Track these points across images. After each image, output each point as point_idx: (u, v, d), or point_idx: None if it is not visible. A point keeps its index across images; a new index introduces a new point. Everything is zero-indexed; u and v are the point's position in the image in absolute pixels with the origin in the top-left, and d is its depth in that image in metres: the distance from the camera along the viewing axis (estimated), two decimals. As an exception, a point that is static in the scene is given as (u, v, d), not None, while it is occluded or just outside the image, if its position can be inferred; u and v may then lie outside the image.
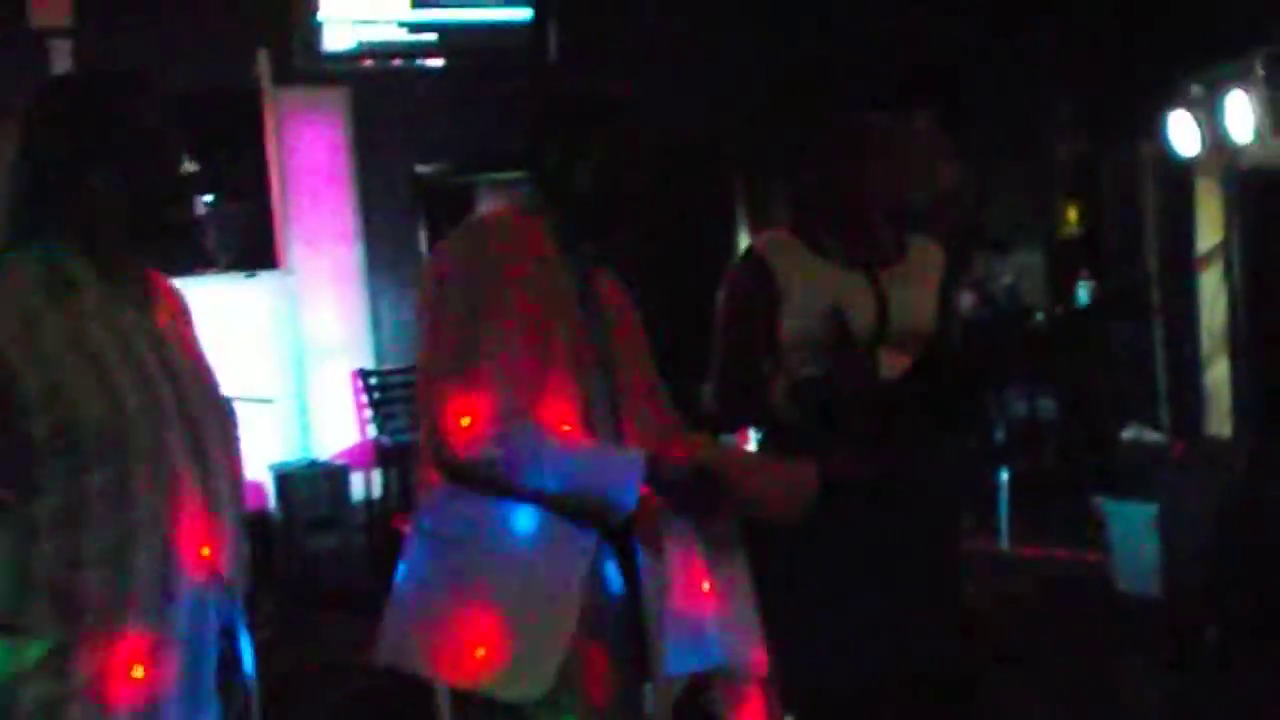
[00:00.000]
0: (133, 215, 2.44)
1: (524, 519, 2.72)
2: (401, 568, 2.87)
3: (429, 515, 2.82)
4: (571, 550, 2.74)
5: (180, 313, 2.63)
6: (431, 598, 2.79)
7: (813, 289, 3.63)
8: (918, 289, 3.71)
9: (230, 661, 2.52)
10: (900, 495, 3.57)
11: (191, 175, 2.52)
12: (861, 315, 3.59)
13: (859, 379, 3.50)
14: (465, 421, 2.65)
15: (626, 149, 2.88)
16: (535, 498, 2.70)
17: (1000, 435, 7.91)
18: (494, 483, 2.69)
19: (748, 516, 2.88)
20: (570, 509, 2.71)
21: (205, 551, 2.43)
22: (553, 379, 2.74)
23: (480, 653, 2.69)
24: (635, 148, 2.89)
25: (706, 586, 2.84)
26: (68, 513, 2.32)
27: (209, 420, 2.50)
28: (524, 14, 9.13)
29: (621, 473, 2.71)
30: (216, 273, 8.38)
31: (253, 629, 2.59)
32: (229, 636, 2.52)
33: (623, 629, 2.84)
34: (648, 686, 2.88)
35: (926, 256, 3.80)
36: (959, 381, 3.79)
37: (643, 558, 2.83)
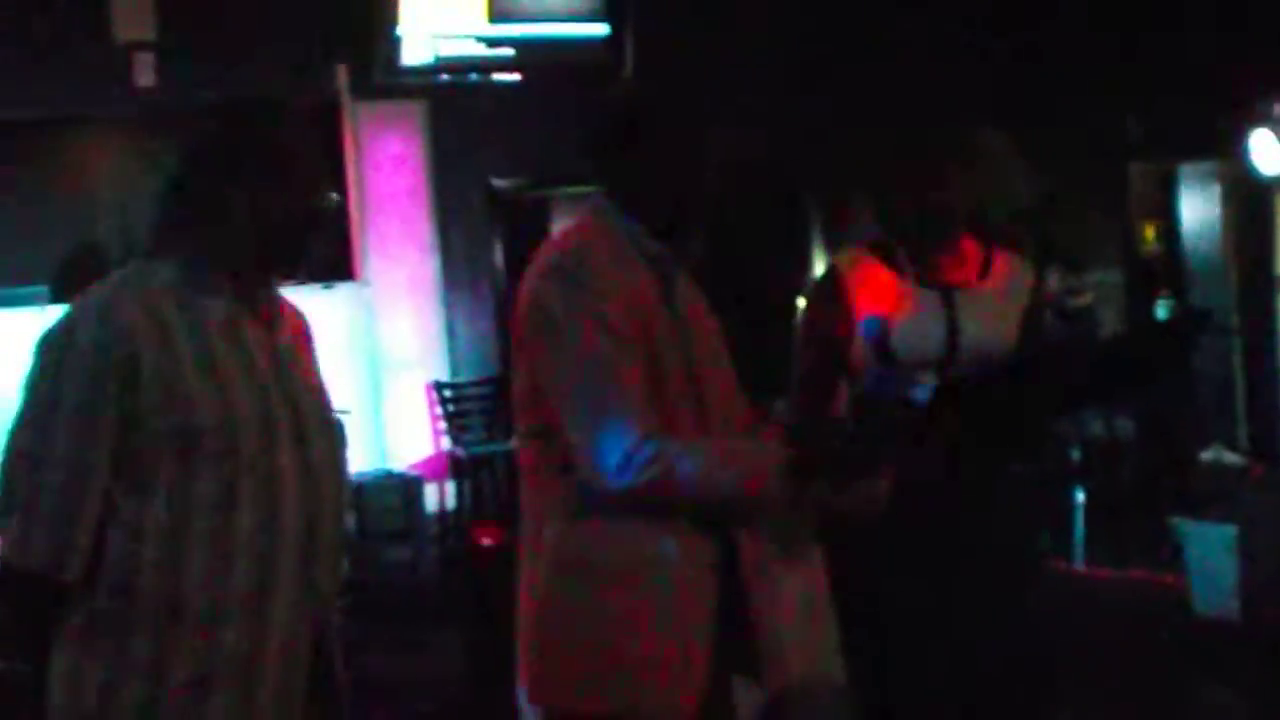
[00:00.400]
0: (267, 237, 2.51)
1: (661, 537, 2.74)
2: (538, 596, 2.83)
3: (564, 544, 2.80)
4: (703, 565, 2.77)
5: (301, 334, 2.72)
6: (581, 628, 2.77)
7: (891, 310, 3.63)
8: (998, 310, 3.66)
9: (321, 673, 2.57)
10: (971, 518, 3.55)
11: (329, 205, 2.60)
12: (931, 337, 3.58)
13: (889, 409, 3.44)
14: (611, 448, 2.66)
15: (683, 147, 2.87)
16: (689, 507, 2.72)
17: (1077, 454, 7.83)
18: (652, 502, 2.70)
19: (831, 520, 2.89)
20: (719, 512, 2.75)
21: (302, 566, 2.48)
22: (661, 385, 2.76)
23: (631, 678, 2.72)
24: (691, 146, 2.87)
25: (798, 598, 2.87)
26: (175, 518, 2.39)
27: (318, 440, 2.56)
28: (600, 29, 9.16)
29: (764, 463, 2.72)
30: (295, 284, 8.42)
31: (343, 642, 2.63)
32: (321, 649, 2.56)
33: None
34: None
35: (1013, 277, 3.74)
36: (1027, 402, 3.75)
37: (750, 566, 2.83)
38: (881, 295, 3.65)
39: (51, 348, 2.41)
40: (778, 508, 2.78)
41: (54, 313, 2.48)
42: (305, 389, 2.59)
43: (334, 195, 2.61)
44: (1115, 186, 9.33)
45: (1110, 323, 9.15)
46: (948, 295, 3.64)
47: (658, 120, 2.87)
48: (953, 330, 3.60)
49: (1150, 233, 9.33)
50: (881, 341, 3.60)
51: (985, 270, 3.71)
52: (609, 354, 2.69)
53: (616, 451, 2.65)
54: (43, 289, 7.98)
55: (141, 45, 8.42)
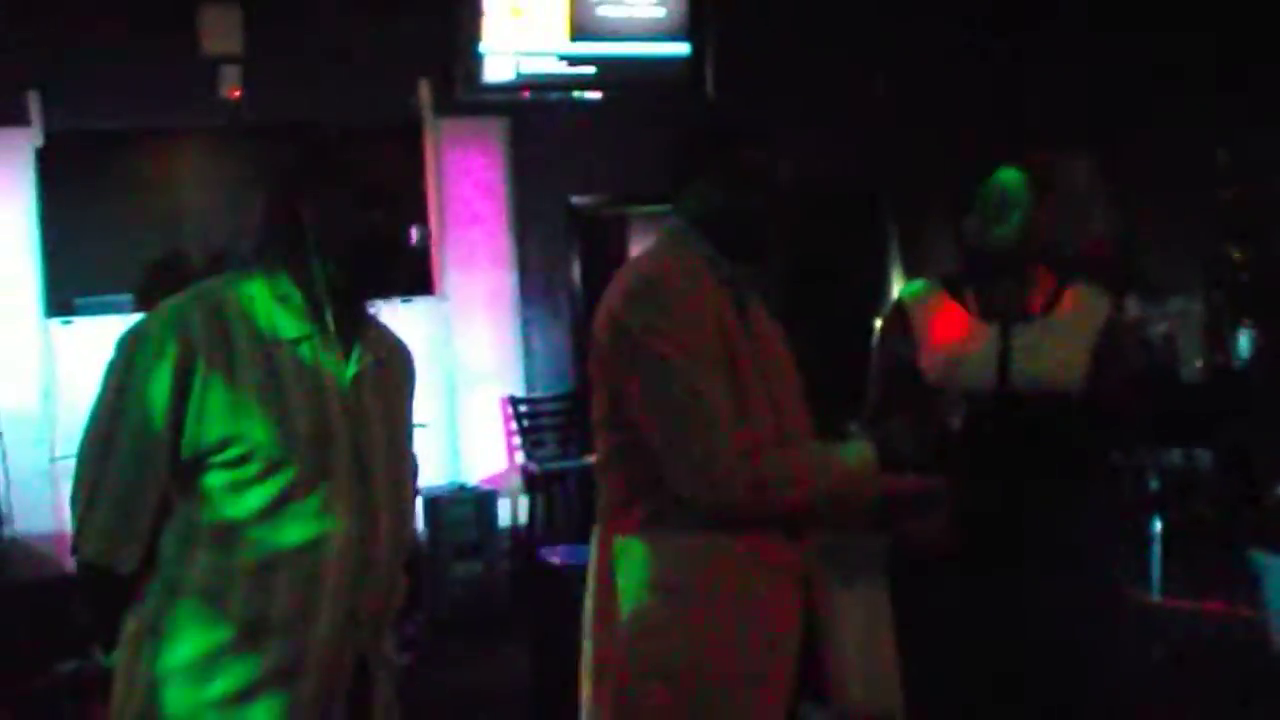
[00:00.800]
0: (344, 262, 2.54)
1: (746, 553, 2.77)
2: (624, 616, 2.84)
3: (649, 563, 2.81)
4: (788, 579, 2.82)
5: (396, 367, 2.76)
6: (672, 648, 2.78)
7: (945, 341, 3.64)
8: (1063, 342, 3.62)
9: (362, 695, 2.57)
10: (1034, 550, 3.53)
11: (408, 233, 2.63)
12: (979, 370, 3.57)
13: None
14: (707, 465, 2.69)
15: (758, 172, 2.88)
16: (785, 517, 2.78)
17: (1154, 484, 7.74)
18: (749, 515, 2.74)
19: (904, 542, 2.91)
20: (812, 520, 2.81)
21: (349, 593, 2.49)
22: (744, 402, 2.79)
23: (727, 697, 2.75)
24: (767, 171, 2.89)
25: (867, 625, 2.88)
26: (225, 527, 2.43)
27: (381, 469, 2.56)
28: (681, 48, 9.18)
29: (858, 468, 2.78)
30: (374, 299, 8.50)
31: (392, 663, 2.64)
32: (363, 672, 2.56)
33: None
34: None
35: (1085, 308, 3.69)
36: (1095, 432, 3.70)
37: (823, 588, 2.86)
38: (945, 327, 3.66)
39: (123, 347, 2.48)
40: (868, 517, 2.81)
41: (136, 320, 2.54)
42: (376, 417, 2.59)
43: (417, 226, 2.64)
44: (1201, 213, 9.23)
45: (1191, 351, 9.06)
46: (1005, 328, 3.62)
47: (734, 144, 2.89)
48: (1003, 364, 3.59)
49: (1234, 260, 9.22)
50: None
51: (1055, 301, 3.67)
52: (693, 374, 2.71)
53: (713, 468, 2.68)
54: (128, 297, 8.11)
55: (228, 59, 8.53)
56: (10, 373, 7.64)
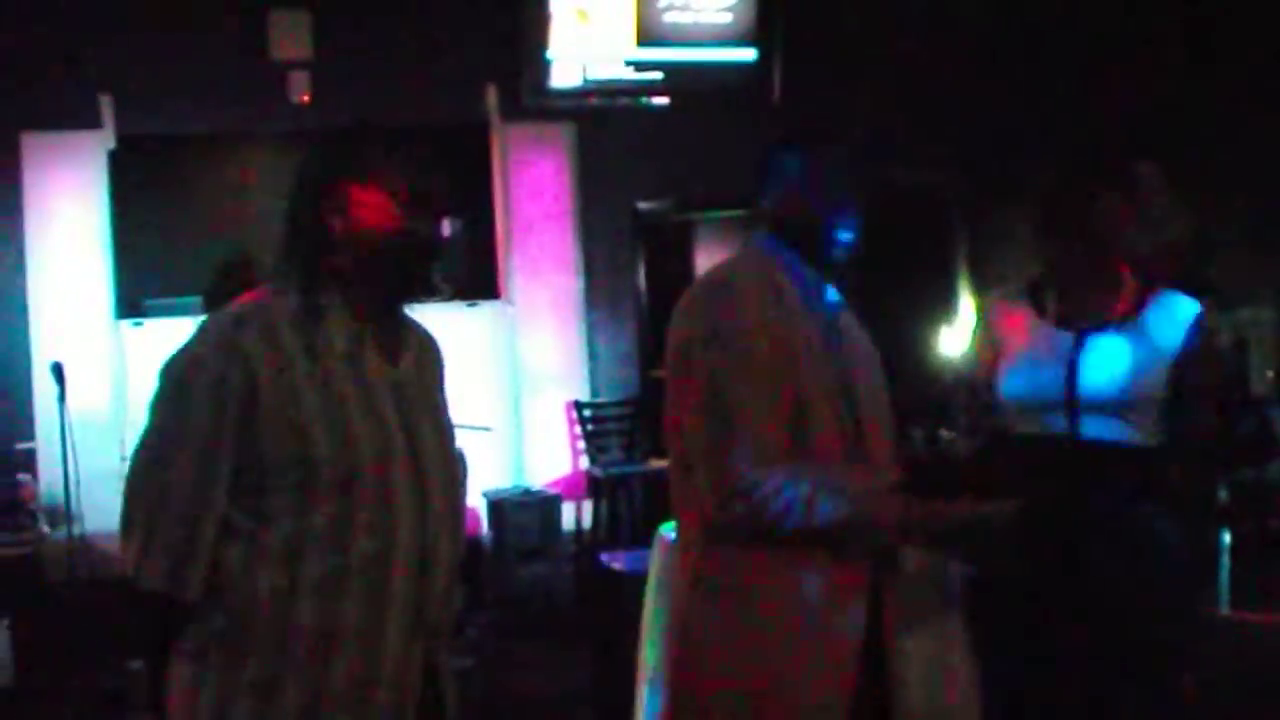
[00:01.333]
0: (376, 264, 2.52)
1: (802, 562, 2.76)
2: (682, 620, 2.87)
3: (705, 569, 2.82)
4: (846, 593, 2.76)
5: (429, 363, 2.72)
6: (729, 650, 2.79)
7: (1019, 349, 3.61)
8: (1140, 354, 3.55)
9: (431, 703, 2.57)
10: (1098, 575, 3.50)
11: (434, 233, 2.59)
12: (1045, 381, 3.53)
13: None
14: (718, 482, 2.70)
15: (839, 181, 2.87)
16: (805, 537, 2.72)
17: (1224, 496, 7.65)
18: (755, 532, 2.72)
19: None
20: (839, 541, 2.74)
21: (416, 598, 2.49)
22: (804, 420, 2.76)
23: (782, 701, 2.74)
24: (832, 171, 2.87)
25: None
26: (292, 544, 2.41)
27: (436, 473, 2.55)
28: (749, 54, 9.17)
29: (873, 486, 2.76)
30: (439, 301, 8.55)
31: (453, 663, 2.64)
32: (432, 679, 2.56)
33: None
34: None
35: (1168, 314, 3.59)
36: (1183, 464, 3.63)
37: (893, 613, 2.82)
38: (1021, 335, 3.63)
39: (175, 373, 2.44)
40: (890, 534, 2.76)
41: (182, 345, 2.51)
42: (425, 420, 2.58)
43: (453, 221, 2.61)
44: (1275, 222, 9.12)
45: (1262, 362, 8.95)
46: (1080, 338, 3.58)
47: (815, 153, 2.87)
48: (1071, 374, 3.54)
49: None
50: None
51: (1138, 308, 3.60)
52: (736, 392, 2.71)
53: (722, 487, 2.69)
54: (198, 299, 8.18)
55: (297, 64, 8.60)
56: (81, 373, 7.71)
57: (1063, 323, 3.62)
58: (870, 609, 2.76)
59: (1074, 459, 3.50)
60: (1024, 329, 3.65)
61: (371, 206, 2.52)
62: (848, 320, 2.94)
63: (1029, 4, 9.32)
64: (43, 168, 8.35)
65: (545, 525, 8.23)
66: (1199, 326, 3.58)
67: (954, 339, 8.95)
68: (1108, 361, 3.54)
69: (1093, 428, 3.51)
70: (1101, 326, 3.58)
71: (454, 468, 2.67)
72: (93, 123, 8.31)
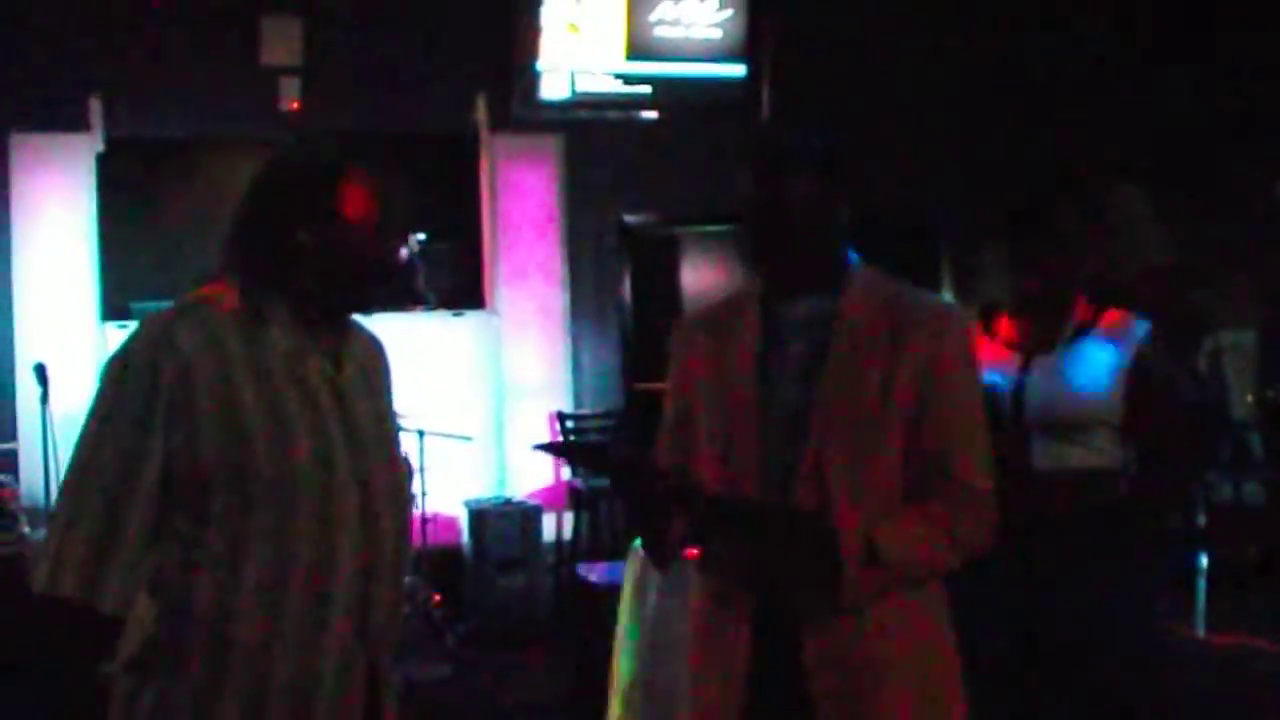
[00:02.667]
0: (334, 278, 2.52)
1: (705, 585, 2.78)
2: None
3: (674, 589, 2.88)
4: (735, 615, 2.71)
5: (374, 368, 2.69)
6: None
7: None
8: (1085, 370, 3.57)
9: (372, 711, 2.55)
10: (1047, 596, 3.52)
11: (395, 258, 2.61)
12: (1000, 403, 3.54)
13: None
14: None
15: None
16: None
17: (1202, 519, 7.69)
18: None
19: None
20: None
21: (358, 605, 2.48)
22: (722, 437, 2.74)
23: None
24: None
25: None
26: (230, 548, 2.40)
27: (381, 479, 2.54)
28: (738, 70, 9.20)
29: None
30: (425, 310, 8.59)
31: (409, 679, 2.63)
32: (373, 687, 2.55)
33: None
34: None
35: (1116, 333, 3.61)
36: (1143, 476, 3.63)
37: (810, 644, 2.67)
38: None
39: (111, 369, 2.43)
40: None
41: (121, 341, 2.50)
42: (368, 427, 2.56)
43: (406, 245, 2.63)
44: (1258, 246, 9.18)
45: (1243, 386, 9.00)
46: (1026, 360, 3.61)
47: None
48: (1017, 396, 3.57)
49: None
50: None
51: (1087, 329, 3.63)
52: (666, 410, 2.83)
53: None
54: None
55: (288, 70, 8.62)
56: (65, 375, 7.71)
57: (1012, 345, 3.66)
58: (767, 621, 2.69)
59: (1021, 490, 3.46)
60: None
61: (344, 227, 2.51)
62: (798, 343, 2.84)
63: (1019, 25, 9.36)
64: (30, 169, 8.34)
65: (525, 536, 8.23)
66: (1147, 343, 3.59)
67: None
68: (1052, 383, 3.56)
69: (1042, 450, 3.54)
70: (1048, 347, 3.61)
71: (399, 474, 2.65)
72: (82, 125, 8.31)
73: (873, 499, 2.65)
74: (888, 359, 2.68)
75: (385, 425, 2.66)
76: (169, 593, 2.42)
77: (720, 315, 2.86)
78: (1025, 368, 3.60)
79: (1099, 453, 3.55)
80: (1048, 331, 3.64)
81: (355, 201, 2.52)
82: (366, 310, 2.62)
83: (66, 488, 2.41)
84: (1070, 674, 3.52)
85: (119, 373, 2.41)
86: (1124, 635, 3.58)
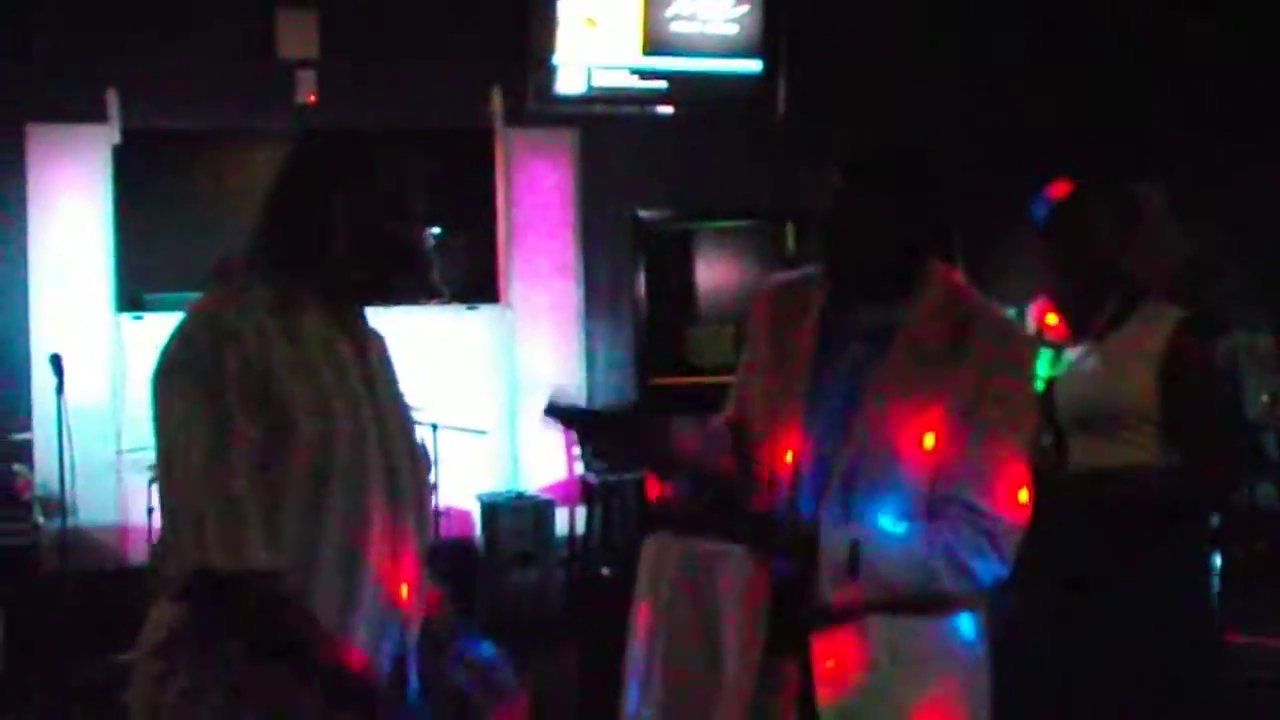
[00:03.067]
0: (365, 264, 2.53)
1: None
2: None
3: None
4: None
5: (387, 357, 2.70)
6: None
7: None
8: (1120, 367, 3.54)
9: (398, 687, 2.56)
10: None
11: (425, 237, 2.61)
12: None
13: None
14: None
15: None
16: None
17: (1215, 519, 7.67)
18: None
19: None
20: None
21: (385, 578, 2.49)
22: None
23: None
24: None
25: None
26: (267, 529, 2.39)
27: (404, 463, 2.56)
28: (754, 65, 9.19)
29: None
30: (439, 304, 8.59)
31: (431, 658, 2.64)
32: (400, 664, 2.56)
33: None
34: None
35: (1149, 326, 3.57)
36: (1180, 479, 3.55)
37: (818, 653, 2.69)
38: None
39: (178, 369, 2.43)
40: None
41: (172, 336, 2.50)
42: (392, 411, 2.59)
43: (434, 230, 2.63)
44: (1274, 246, 9.15)
45: (1258, 386, 8.96)
46: (1057, 353, 3.60)
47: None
48: (1048, 391, 3.55)
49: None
50: None
51: (1117, 325, 3.60)
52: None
53: None
54: (198, 294, 8.20)
55: (304, 63, 8.63)
56: (80, 365, 7.73)
57: (1044, 340, 3.65)
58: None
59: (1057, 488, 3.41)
60: None
61: (376, 195, 2.53)
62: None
63: (1032, 22, 9.35)
64: (48, 160, 8.37)
65: (538, 530, 8.24)
66: (1181, 336, 3.53)
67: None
68: (1084, 377, 3.54)
69: (1079, 448, 3.52)
70: (1078, 340, 3.60)
71: (420, 459, 2.67)
72: (98, 117, 8.33)
73: (898, 506, 2.65)
74: (943, 372, 2.67)
75: (404, 412, 2.67)
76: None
77: (790, 298, 2.89)
78: (1055, 362, 3.59)
79: (1138, 449, 3.50)
80: (1080, 327, 3.62)
81: (386, 168, 2.55)
82: (395, 296, 2.62)
83: (208, 480, 2.34)
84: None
85: (186, 366, 2.41)
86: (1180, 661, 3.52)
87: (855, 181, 2.73)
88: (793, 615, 2.64)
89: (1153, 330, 3.55)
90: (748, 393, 2.88)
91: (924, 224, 2.78)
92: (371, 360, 2.60)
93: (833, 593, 2.58)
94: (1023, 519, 2.65)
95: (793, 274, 2.95)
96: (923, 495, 2.66)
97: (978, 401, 2.65)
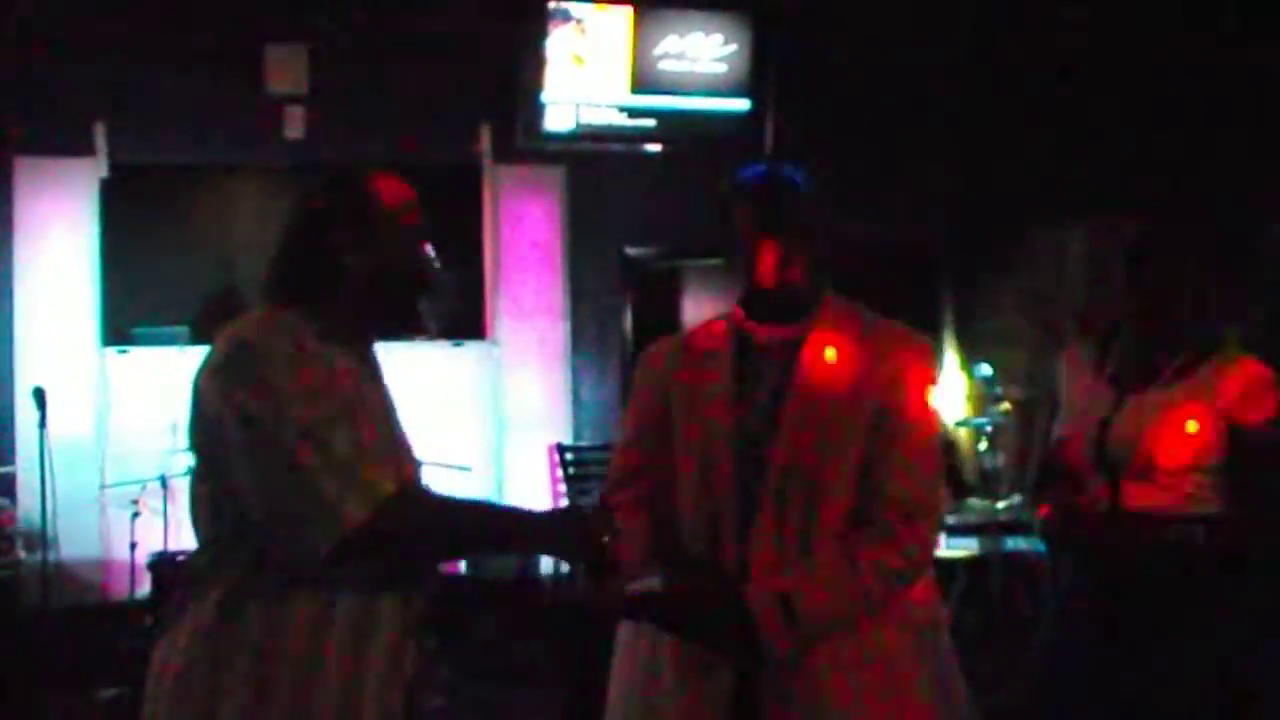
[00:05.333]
0: (380, 298, 2.59)
1: None
2: None
3: None
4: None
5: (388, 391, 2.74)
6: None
7: (1074, 403, 3.62)
8: (1177, 413, 3.42)
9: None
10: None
11: (433, 274, 2.66)
12: (1091, 438, 3.49)
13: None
14: None
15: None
16: None
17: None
18: None
19: None
20: None
21: (402, 612, 2.54)
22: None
23: None
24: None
25: None
26: (286, 580, 2.46)
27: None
28: (742, 104, 9.22)
29: None
30: (425, 340, 8.57)
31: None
32: (411, 699, 2.59)
33: None
34: None
35: (1219, 379, 3.44)
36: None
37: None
38: (1080, 390, 3.62)
39: (258, 367, 2.42)
40: None
41: (194, 351, 2.53)
42: (407, 448, 2.67)
43: (437, 263, 2.66)
44: (1267, 277, 9.16)
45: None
46: (1120, 396, 3.51)
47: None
48: (1101, 433, 3.48)
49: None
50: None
51: (1190, 370, 3.47)
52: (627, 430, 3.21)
53: None
54: (184, 328, 8.20)
55: (293, 99, 8.64)
56: (64, 399, 7.71)
57: (1113, 380, 3.57)
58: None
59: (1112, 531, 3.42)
60: (1084, 384, 3.62)
61: (388, 244, 2.57)
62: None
63: (1018, 60, 9.39)
64: (35, 192, 8.36)
65: (524, 567, 8.21)
66: (1259, 390, 3.42)
67: (938, 396, 8.97)
68: (1139, 420, 3.45)
69: (1133, 493, 3.42)
70: (1144, 386, 3.50)
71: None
72: (86, 150, 8.32)
73: (825, 528, 2.77)
74: (850, 387, 2.81)
75: (409, 447, 2.72)
76: (223, 611, 2.44)
77: (696, 342, 2.98)
78: (1117, 405, 3.51)
79: (1189, 499, 3.39)
80: (1146, 371, 3.52)
81: (390, 195, 2.60)
82: (409, 329, 2.68)
83: (332, 443, 2.40)
84: None
85: (274, 360, 2.42)
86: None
87: (785, 199, 2.87)
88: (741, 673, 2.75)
89: (1224, 380, 3.44)
90: (647, 442, 2.97)
91: (827, 241, 2.91)
92: (387, 395, 2.65)
93: (770, 651, 2.68)
94: (938, 508, 2.84)
95: (681, 334, 3.12)
96: (848, 502, 2.79)
97: (888, 410, 2.81)
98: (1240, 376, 3.43)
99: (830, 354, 2.84)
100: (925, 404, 2.85)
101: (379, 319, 2.61)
